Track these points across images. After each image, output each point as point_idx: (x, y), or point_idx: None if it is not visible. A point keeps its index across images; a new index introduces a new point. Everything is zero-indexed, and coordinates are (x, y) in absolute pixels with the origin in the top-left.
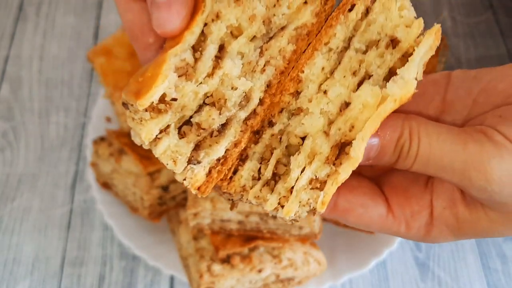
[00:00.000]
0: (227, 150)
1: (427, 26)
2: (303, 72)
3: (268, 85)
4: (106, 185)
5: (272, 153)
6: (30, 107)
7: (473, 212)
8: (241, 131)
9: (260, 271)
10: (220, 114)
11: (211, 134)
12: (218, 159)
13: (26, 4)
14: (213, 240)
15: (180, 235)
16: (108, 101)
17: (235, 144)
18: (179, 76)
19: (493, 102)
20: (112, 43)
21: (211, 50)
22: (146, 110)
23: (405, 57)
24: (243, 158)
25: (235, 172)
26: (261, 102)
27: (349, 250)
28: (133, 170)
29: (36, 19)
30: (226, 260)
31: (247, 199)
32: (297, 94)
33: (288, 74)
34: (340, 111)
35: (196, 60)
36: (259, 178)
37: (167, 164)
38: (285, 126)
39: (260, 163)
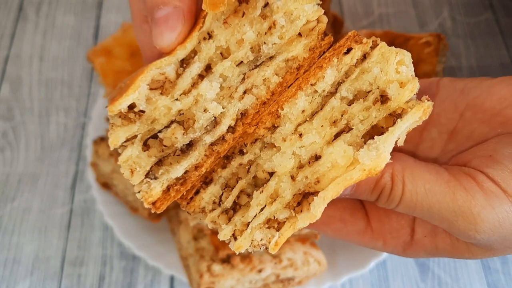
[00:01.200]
0: (186, 171)
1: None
2: (283, 109)
3: (244, 114)
4: (106, 185)
5: (237, 182)
6: (30, 107)
7: (454, 244)
8: (205, 155)
9: (260, 271)
10: (185, 134)
11: (174, 153)
12: (178, 179)
13: (26, 4)
14: (213, 240)
15: (180, 235)
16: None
17: (196, 167)
18: (152, 89)
19: (480, 118)
20: (112, 43)
21: (194, 68)
22: (119, 116)
23: (392, 116)
24: (207, 181)
25: (197, 193)
26: (232, 129)
27: (349, 250)
28: None
29: (36, 19)
30: (226, 260)
31: (203, 222)
32: (273, 128)
33: (269, 106)
34: (309, 162)
35: (178, 75)
36: (219, 203)
37: (124, 173)
38: (256, 157)
39: (223, 189)
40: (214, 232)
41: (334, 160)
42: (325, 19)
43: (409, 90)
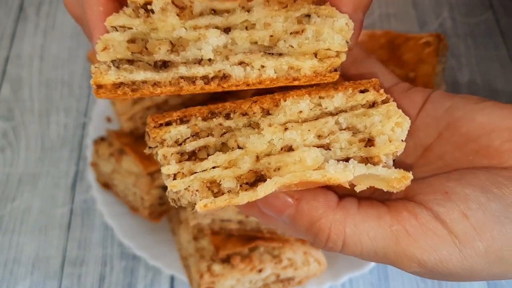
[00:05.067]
0: (145, 82)
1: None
2: (285, 101)
3: (225, 77)
4: (106, 185)
5: (207, 136)
6: (30, 107)
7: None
8: (169, 81)
9: (260, 271)
10: (169, 51)
11: (147, 62)
12: (133, 83)
13: (27, 4)
14: (213, 240)
15: (180, 235)
16: (108, 101)
17: (154, 84)
18: (173, 3)
19: (455, 142)
20: None
21: (218, 20)
22: (135, 6)
23: (368, 161)
24: (183, 120)
25: (168, 124)
26: (207, 81)
27: None
28: (134, 170)
29: (36, 19)
30: (226, 260)
31: (156, 152)
32: (267, 113)
33: (271, 92)
34: (282, 149)
35: (201, 14)
36: (180, 144)
37: (98, 46)
38: (236, 128)
39: (192, 135)
40: (214, 232)
41: (304, 157)
42: (343, 57)
43: (394, 146)
